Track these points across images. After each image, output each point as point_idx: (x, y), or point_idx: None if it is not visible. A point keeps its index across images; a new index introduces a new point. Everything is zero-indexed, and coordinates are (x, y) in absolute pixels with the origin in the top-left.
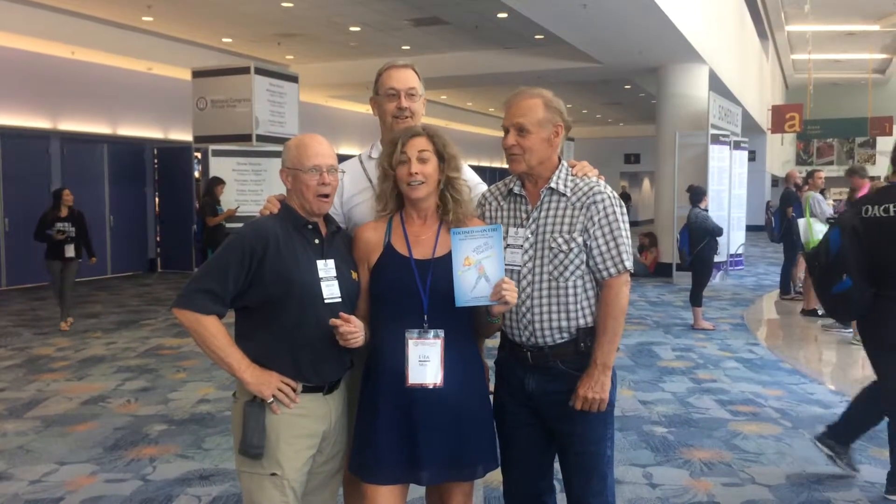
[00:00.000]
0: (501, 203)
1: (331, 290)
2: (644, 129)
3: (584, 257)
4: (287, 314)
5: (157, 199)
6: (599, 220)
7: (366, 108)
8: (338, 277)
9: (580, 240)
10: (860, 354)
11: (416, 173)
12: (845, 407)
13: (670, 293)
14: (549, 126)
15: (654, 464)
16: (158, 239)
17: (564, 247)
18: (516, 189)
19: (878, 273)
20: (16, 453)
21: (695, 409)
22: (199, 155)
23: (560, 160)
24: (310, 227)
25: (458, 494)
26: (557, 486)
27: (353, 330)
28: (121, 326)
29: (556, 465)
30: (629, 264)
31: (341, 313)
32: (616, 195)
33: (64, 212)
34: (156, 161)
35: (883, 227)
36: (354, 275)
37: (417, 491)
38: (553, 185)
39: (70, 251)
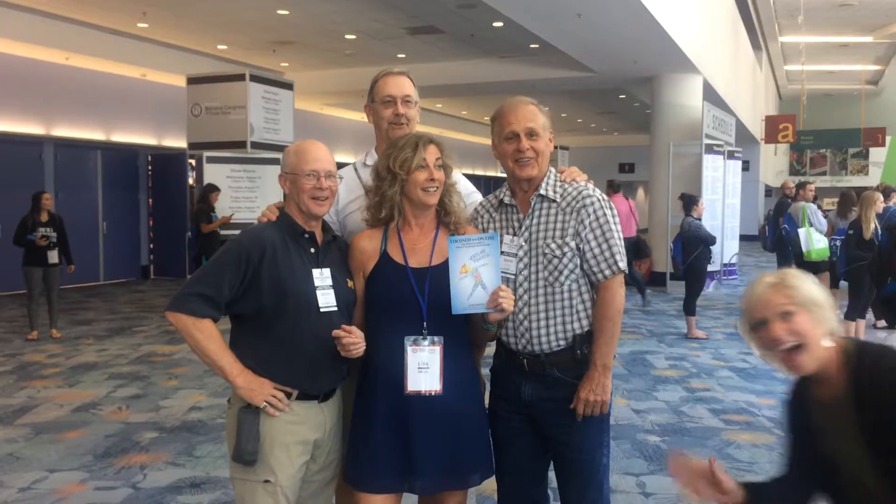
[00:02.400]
0: (493, 214)
1: (326, 299)
2: (638, 139)
3: (578, 261)
4: (282, 323)
5: (150, 206)
6: (590, 223)
7: (360, 116)
8: (333, 286)
9: (573, 244)
10: None
11: (436, 180)
12: None
13: (664, 302)
14: (547, 131)
15: (647, 472)
16: (152, 246)
17: (558, 252)
18: (506, 199)
19: None
20: (5, 460)
21: (688, 418)
22: (193, 162)
23: (548, 167)
24: (306, 235)
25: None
26: (552, 494)
27: (356, 341)
28: (113, 333)
29: (551, 474)
30: (623, 265)
31: (343, 325)
32: (606, 197)
33: (44, 216)
34: (150, 168)
35: None
36: (350, 283)
37: (410, 498)
38: (542, 191)
39: (53, 257)
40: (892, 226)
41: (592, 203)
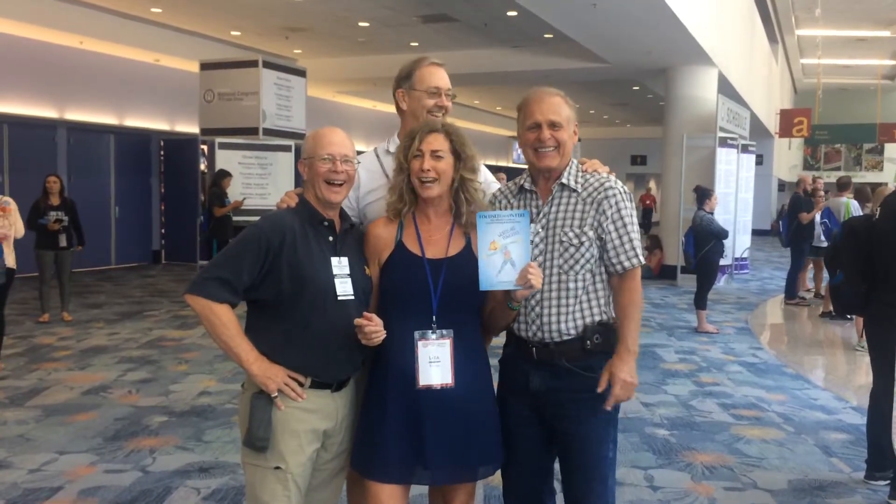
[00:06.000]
0: (511, 200)
1: (344, 287)
2: (651, 131)
3: (595, 252)
4: (300, 310)
5: (162, 191)
6: (612, 214)
7: (373, 104)
8: (351, 275)
9: (591, 234)
10: (864, 360)
11: (429, 170)
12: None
13: (674, 296)
14: (572, 123)
15: (655, 466)
16: (163, 230)
17: (575, 241)
18: (527, 185)
19: (874, 274)
20: (16, 441)
21: (697, 412)
22: (205, 147)
23: (571, 157)
24: (325, 223)
25: (462, 494)
26: (557, 487)
27: (377, 329)
28: (124, 317)
29: (556, 467)
30: (642, 258)
31: (365, 313)
32: (627, 190)
33: (56, 200)
34: (162, 153)
35: (876, 230)
36: (368, 271)
37: (419, 488)
38: (564, 180)
39: (64, 240)
40: (844, 222)
41: (615, 195)
